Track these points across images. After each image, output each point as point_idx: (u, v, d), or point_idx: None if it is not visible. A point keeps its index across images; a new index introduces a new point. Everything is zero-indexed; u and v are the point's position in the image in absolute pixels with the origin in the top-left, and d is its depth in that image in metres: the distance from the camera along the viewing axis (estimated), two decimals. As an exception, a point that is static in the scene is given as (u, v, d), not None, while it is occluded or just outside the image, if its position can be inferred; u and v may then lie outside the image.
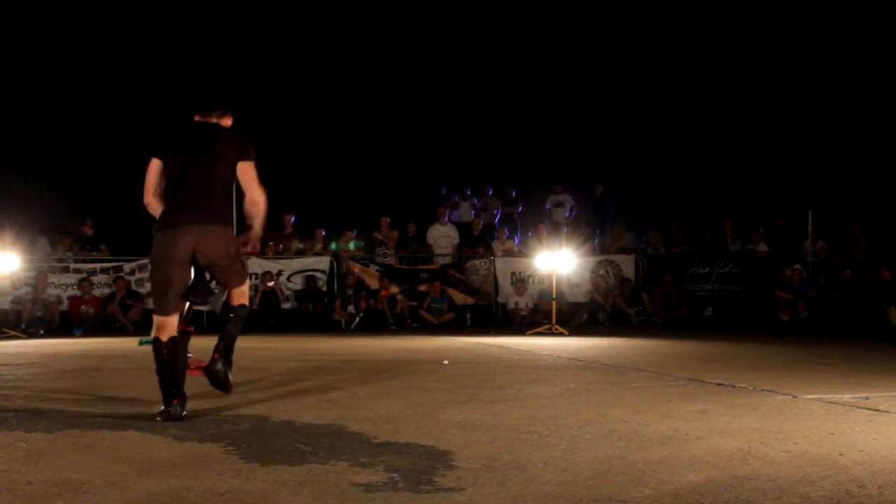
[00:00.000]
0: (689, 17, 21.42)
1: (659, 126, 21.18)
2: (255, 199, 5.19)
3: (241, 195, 5.28)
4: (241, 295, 5.35)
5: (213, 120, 5.32)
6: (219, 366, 5.21)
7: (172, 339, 5.14)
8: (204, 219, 5.06)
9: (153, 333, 5.19)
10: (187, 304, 5.40)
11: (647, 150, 20.99)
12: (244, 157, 5.17)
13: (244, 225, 5.41)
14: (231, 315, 5.31)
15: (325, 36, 21.85)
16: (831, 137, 20.50)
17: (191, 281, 5.22)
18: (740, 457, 3.96)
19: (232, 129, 5.35)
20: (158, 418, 4.96)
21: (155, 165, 5.16)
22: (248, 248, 5.41)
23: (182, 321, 5.35)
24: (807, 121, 20.62)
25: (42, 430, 4.66)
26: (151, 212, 5.21)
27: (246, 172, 5.16)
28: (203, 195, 5.07)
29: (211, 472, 3.69)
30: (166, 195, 5.15)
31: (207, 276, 5.33)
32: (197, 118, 5.36)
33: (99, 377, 7.42)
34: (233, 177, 5.16)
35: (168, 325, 5.14)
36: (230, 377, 5.26)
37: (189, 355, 5.41)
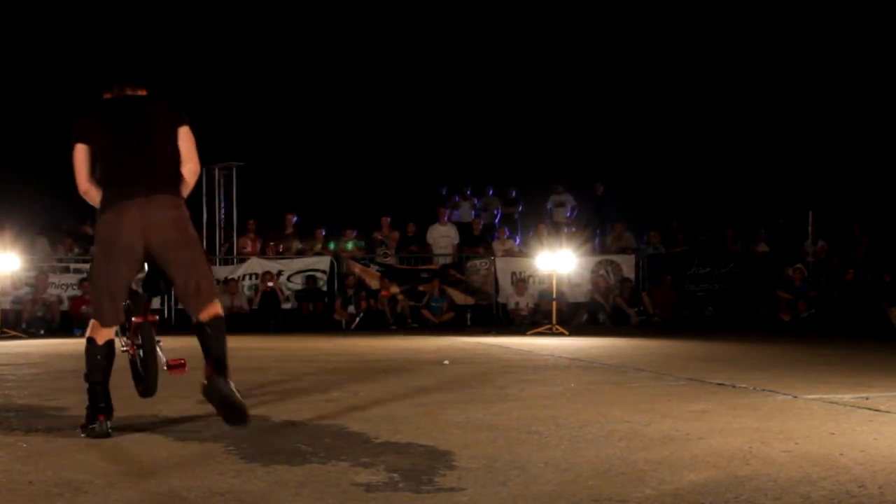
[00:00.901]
0: (689, 17, 21.43)
1: (660, 126, 21.18)
2: (195, 168, 4.68)
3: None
4: (212, 305, 4.56)
5: (129, 93, 4.74)
6: (218, 384, 4.39)
7: (109, 343, 4.60)
8: (149, 190, 4.50)
9: (87, 333, 4.62)
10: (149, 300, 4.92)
11: (648, 151, 20.99)
12: (182, 122, 4.66)
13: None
14: (208, 332, 4.50)
15: (325, 36, 21.85)
16: (831, 137, 20.51)
17: (143, 275, 4.71)
18: (741, 457, 3.96)
19: (157, 97, 4.77)
20: (83, 434, 4.51)
21: (82, 150, 4.63)
22: None
23: (143, 311, 4.83)
24: (807, 121, 20.62)
25: (43, 430, 4.66)
26: (91, 200, 4.66)
27: (187, 138, 4.65)
28: (147, 169, 4.53)
29: (211, 472, 3.69)
30: (104, 179, 4.59)
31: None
32: (108, 96, 4.78)
33: (99, 377, 7.40)
34: (175, 147, 4.62)
35: (104, 331, 4.60)
36: (236, 392, 4.42)
37: (160, 343, 4.85)
